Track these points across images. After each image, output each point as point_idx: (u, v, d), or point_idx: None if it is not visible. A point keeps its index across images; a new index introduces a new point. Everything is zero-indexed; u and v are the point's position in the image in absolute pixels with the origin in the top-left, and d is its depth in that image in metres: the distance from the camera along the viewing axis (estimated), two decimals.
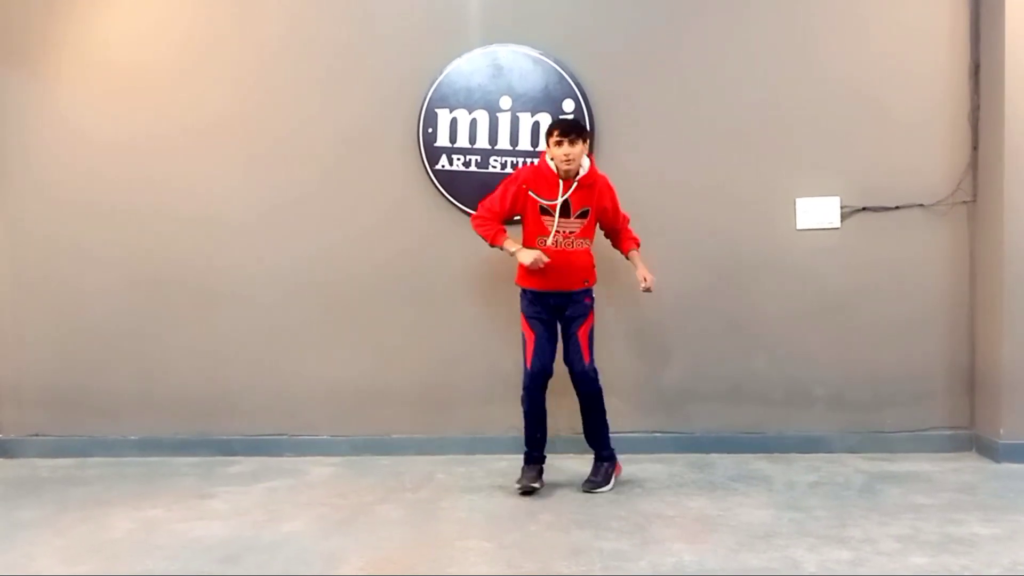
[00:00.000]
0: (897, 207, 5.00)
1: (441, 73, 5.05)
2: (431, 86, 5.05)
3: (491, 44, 5.06)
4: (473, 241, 5.00)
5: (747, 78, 5.04)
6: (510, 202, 4.36)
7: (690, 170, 5.05)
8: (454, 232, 5.08)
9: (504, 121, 5.03)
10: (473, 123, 5.04)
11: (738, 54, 5.05)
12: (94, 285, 5.22)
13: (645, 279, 4.45)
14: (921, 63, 4.99)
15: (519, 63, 5.04)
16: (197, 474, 4.79)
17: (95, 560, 3.45)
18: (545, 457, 4.46)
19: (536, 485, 4.30)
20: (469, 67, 5.06)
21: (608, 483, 4.37)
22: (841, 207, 5.01)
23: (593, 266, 4.45)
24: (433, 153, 5.06)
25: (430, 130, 5.05)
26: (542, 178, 4.33)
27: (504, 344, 4.95)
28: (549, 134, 4.30)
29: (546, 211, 4.30)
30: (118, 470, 4.90)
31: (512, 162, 5.00)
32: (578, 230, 4.33)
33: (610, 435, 4.47)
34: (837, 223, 5.02)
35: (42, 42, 5.20)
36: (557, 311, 4.39)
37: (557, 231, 4.29)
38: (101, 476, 4.79)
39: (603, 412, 4.43)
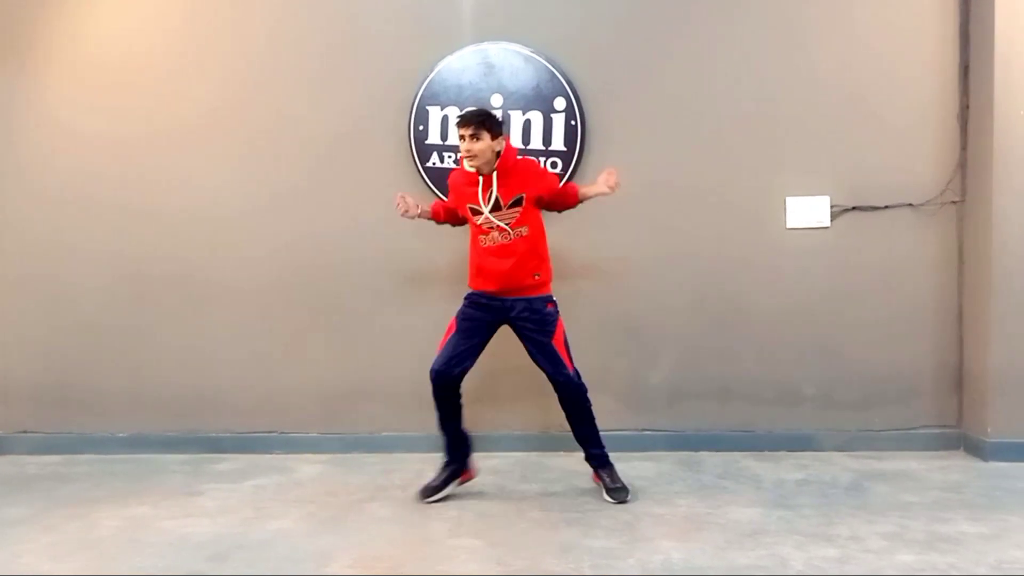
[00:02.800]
0: (886, 207, 5.01)
1: (432, 70, 5.05)
2: (422, 83, 5.04)
3: (482, 42, 5.06)
4: (463, 237, 5.01)
5: (738, 77, 5.05)
6: (451, 201, 4.36)
7: (680, 169, 5.05)
8: (444, 230, 5.06)
9: None
10: None
11: (729, 53, 5.06)
12: (82, 282, 5.21)
13: (608, 182, 4.14)
14: (911, 63, 5.00)
15: (510, 61, 5.04)
16: (185, 471, 4.78)
17: (83, 558, 3.44)
18: (458, 464, 4.24)
19: (432, 496, 4.13)
20: (460, 65, 5.06)
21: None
22: (831, 206, 5.02)
23: (543, 257, 4.16)
24: (424, 150, 5.05)
25: (421, 127, 5.05)
26: (464, 177, 4.20)
27: (493, 342, 4.92)
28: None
29: (476, 210, 4.12)
30: (106, 467, 4.88)
31: None
32: (512, 220, 4.07)
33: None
34: (827, 222, 5.03)
35: (31, 38, 5.18)
36: (499, 316, 4.14)
37: (491, 227, 4.07)
38: (89, 473, 4.77)
39: (590, 413, 4.20)
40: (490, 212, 4.07)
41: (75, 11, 5.18)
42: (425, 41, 5.09)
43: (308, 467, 4.84)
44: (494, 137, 4.04)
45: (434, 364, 4.11)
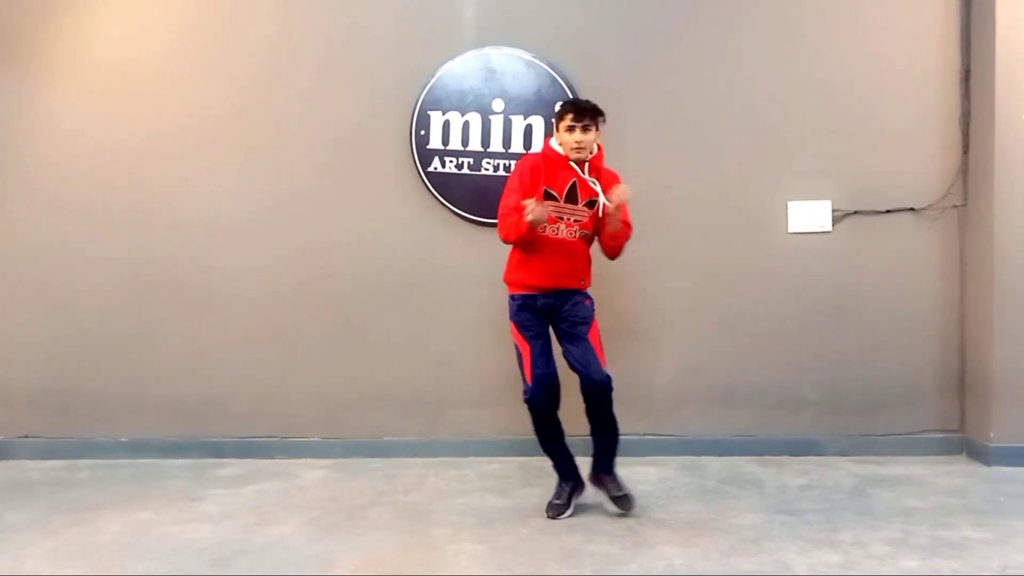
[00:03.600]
0: (888, 211, 5.01)
1: (434, 76, 5.05)
2: (424, 89, 5.05)
3: (484, 47, 5.07)
4: (465, 243, 5.03)
5: (740, 82, 5.06)
6: (524, 193, 3.89)
7: (682, 173, 5.05)
8: (447, 234, 5.08)
9: (497, 124, 5.03)
10: (466, 125, 5.04)
11: (730, 58, 5.07)
12: (85, 286, 5.21)
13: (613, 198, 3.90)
14: (912, 68, 5.01)
15: (512, 66, 5.05)
16: (188, 476, 4.77)
17: (85, 563, 3.43)
18: (576, 479, 4.08)
19: (561, 514, 3.96)
20: (461, 70, 5.06)
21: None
22: (832, 211, 5.03)
23: (590, 265, 4.10)
24: (426, 155, 5.06)
25: (423, 132, 5.05)
26: (549, 163, 4.00)
27: (496, 347, 4.95)
28: (560, 117, 3.99)
29: (551, 195, 3.93)
30: (109, 472, 4.88)
31: (505, 164, 5.00)
32: (584, 219, 3.97)
33: None
34: (828, 227, 5.03)
35: (34, 43, 5.19)
36: (549, 315, 4.01)
37: (562, 218, 3.93)
38: (92, 478, 4.77)
39: (614, 415, 4.01)
40: (565, 202, 3.95)
41: (78, 17, 5.19)
42: (426, 46, 5.09)
43: (310, 472, 4.83)
44: (598, 130, 4.00)
45: (535, 377, 3.92)
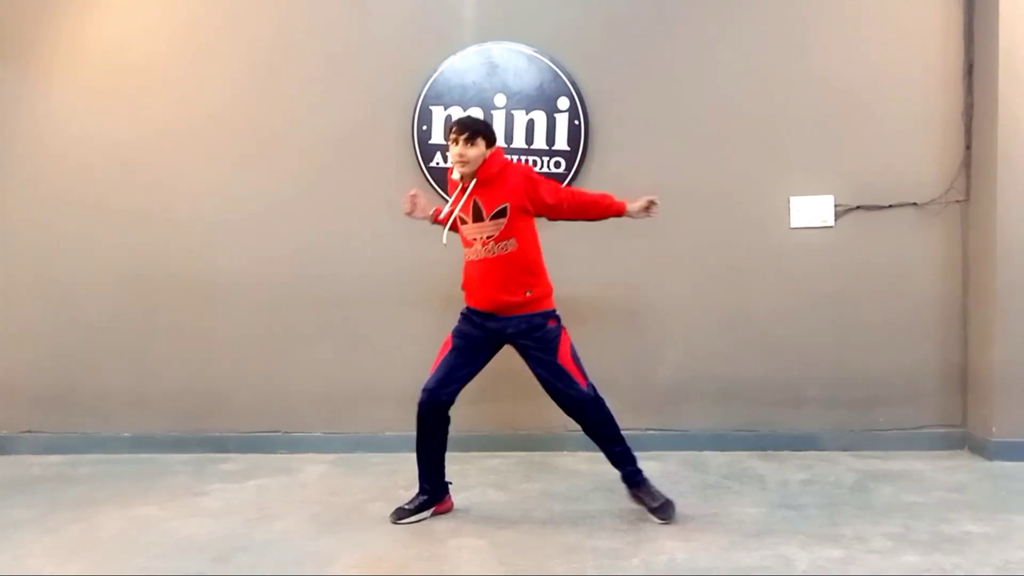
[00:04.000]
0: (891, 206, 5.00)
1: (436, 71, 5.05)
2: (426, 84, 5.04)
3: (486, 42, 5.06)
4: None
5: (742, 77, 5.05)
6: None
7: (684, 168, 5.04)
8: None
9: (499, 119, 5.03)
10: None
11: (733, 53, 5.06)
12: (87, 283, 5.21)
13: (649, 204, 3.93)
14: (915, 62, 4.99)
15: (513, 61, 5.04)
16: (189, 472, 4.78)
17: (87, 559, 3.44)
18: (434, 493, 3.96)
19: (403, 519, 3.84)
20: (464, 65, 5.06)
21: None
22: (835, 206, 5.02)
23: (536, 272, 3.87)
24: (428, 151, 5.05)
25: (425, 127, 5.05)
26: (452, 186, 3.99)
27: None
28: (447, 132, 4.01)
29: (463, 219, 3.88)
30: (110, 468, 4.89)
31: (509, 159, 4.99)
32: (496, 233, 3.78)
33: None
34: (831, 222, 5.03)
35: (34, 40, 5.19)
36: (499, 341, 3.90)
37: (474, 239, 3.84)
38: (93, 474, 4.78)
39: (615, 429, 3.88)
40: (473, 222, 3.84)
41: (77, 17, 5.18)
42: (429, 41, 5.09)
43: (312, 467, 4.84)
44: (488, 146, 3.87)
45: (426, 383, 3.89)
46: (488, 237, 3.80)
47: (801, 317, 5.06)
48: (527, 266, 3.84)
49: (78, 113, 5.19)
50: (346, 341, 5.16)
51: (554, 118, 5.02)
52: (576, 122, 5.01)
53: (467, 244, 3.89)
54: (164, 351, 5.21)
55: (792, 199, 5.03)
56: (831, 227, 5.03)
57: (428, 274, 5.09)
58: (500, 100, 5.04)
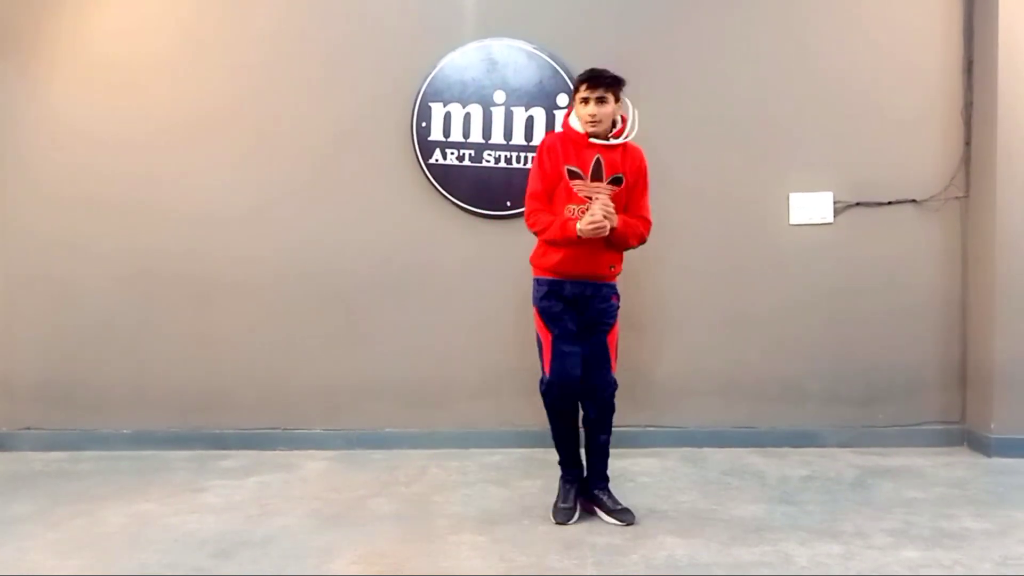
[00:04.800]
0: (890, 202, 5.01)
1: (435, 67, 5.05)
2: (425, 80, 5.04)
3: (485, 38, 5.06)
4: (466, 235, 5.03)
5: (741, 74, 5.05)
6: (547, 176, 3.74)
7: (684, 165, 5.05)
8: (448, 226, 5.08)
9: (498, 115, 5.03)
10: (467, 117, 5.04)
11: (732, 50, 5.06)
12: (87, 279, 5.21)
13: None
14: (915, 59, 5.00)
15: (513, 57, 5.04)
16: (190, 468, 4.78)
17: (88, 554, 3.44)
18: (582, 473, 3.91)
19: (571, 518, 3.77)
20: (463, 61, 5.05)
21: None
22: (834, 202, 5.03)
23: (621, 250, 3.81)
24: (427, 147, 5.05)
25: (424, 124, 5.05)
26: (569, 141, 3.73)
27: (498, 338, 4.96)
28: (575, 88, 3.73)
29: (575, 174, 3.68)
30: (111, 464, 4.89)
31: (506, 156, 5.00)
32: (610, 196, 3.66)
33: None
34: (830, 218, 5.03)
35: (35, 37, 5.18)
36: (576, 304, 3.75)
37: (588, 197, 3.65)
38: (94, 470, 4.77)
39: (611, 424, 3.87)
40: (591, 180, 3.68)
41: (78, 12, 5.17)
42: (428, 38, 5.09)
43: (312, 464, 4.84)
44: (617, 102, 3.71)
45: (553, 372, 3.70)
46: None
47: (800, 313, 5.07)
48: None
49: (77, 110, 5.18)
50: (346, 337, 5.16)
51: (553, 115, 5.02)
52: None
53: (574, 201, 3.66)
54: (164, 347, 5.21)
55: (791, 195, 5.04)
56: (831, 223, 5.04)
57: (429, 271, 5.10)
58: (500, 97, 5.04)
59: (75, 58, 5.19)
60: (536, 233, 3.76)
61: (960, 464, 4.67)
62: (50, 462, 4.95)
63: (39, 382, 5.25)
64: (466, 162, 5.04)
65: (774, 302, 5.08)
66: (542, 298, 3.76)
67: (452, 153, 5.04)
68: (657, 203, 4.90)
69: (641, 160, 3.80)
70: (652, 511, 3.89)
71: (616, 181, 3.70)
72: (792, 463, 4.71)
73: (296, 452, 5.07)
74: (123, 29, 5.18)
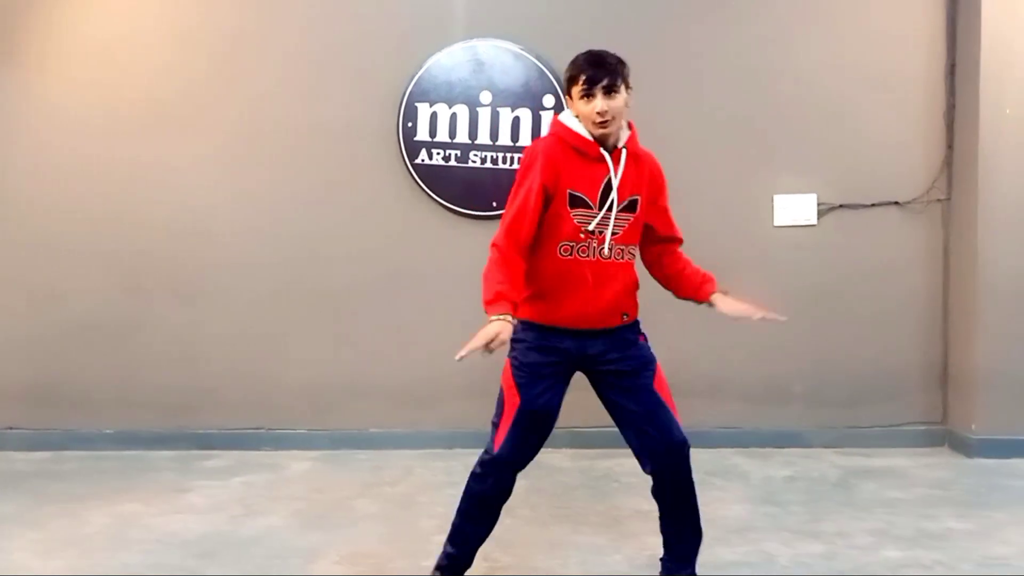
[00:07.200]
0: (873, 204, 5.05)
1: (421, 67, 5.05)
2: (411, 80, 5.04)
3: (472, 39, 5.07)
4: (452, 235, 5.03)
5: (726, 76, 5.08)
6: (537, 199, 2.72)
7: (668, 166, 4.96)
8: (433, 226, 5.08)
9: (484, 116, 5.04)
10: (453, 117, 5.04)
11: (718, 52, 5.08)
12: (71, 278, 5.18)
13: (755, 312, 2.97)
14: (898, 62, 5.03)
15: (500, 58, 5.05)
16: (174, 468, 4.77)
17: (71, 554, 3.43)
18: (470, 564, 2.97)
19: None
20: (450, 61, 5.06)
21: None
22: (818, 204, 5.05)
23: (636, 288, 2.99)
24: (413, 147, 5.05)
25: (410, 124, 5.05)
26: (571, 153, 2.76)
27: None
28: (572, 81, 2.75)
29: (580, 200, 2.74)
30: (95, 464, 4.87)
31: (492, 157, 5.01)
32: (623, 229, 2.81)
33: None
34: (814, 220, 5.06)
35: (25, 38, 5.14)
36: (579, 364, 2.88)
37: (595, 232, 2.76)
38: (77, 470, 4.75)
39: (696, 502, 2.96)
40: (599, 208, 2.76)
41: (64, 8, 5.15)
42: (415, 38, 5.09)
43: (297, 464, 4.84)
44: (628, 91, 2.80)
45: (502, 452, 2.83)
46: (614, 234, 2.80)
47: (784, 314, 5.07)
48: (634, 282, 2.96)
49: (63, 109, 5.15)
50: (331, 338, 5.15)
51: (539, 115, 5.03)
52: None
53: (570, 237, 2.75)
54: (148, 347, 5.18)
55: (775, 197, 5.06)
56: (814, 225, 5.07)
57: (414, 271, 5.10)
58: (486, 97, 5.05)
59: (60, 58, 5.14)
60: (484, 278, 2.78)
61: (942, 465, 4.71)
62: (33, 462, 4.92)
63: (22, 381, 5.21)
64: (452, 162, 5.04)
65: (758, 303, 5.09)
66: (527, 349, 2.84)
67: (438, 153, 5.04)
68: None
69: (657, 167, 2.97)
70: (636, 511, 3.90)
71: (631, 206, 2.82)
72: (776, 463, 4.74)
73: (281, 452, 5.05)
74: (107, 29, 5.14)
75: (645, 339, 2.99)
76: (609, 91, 2.69)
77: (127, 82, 5.15)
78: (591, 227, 2.75)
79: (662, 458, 2.84)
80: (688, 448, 2.86)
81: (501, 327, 2.64)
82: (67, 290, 5.19)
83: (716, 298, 3.05)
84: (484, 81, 5.05)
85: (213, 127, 5.15)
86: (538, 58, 5.03)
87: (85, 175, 5.16)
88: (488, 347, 2.65)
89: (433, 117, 5.04)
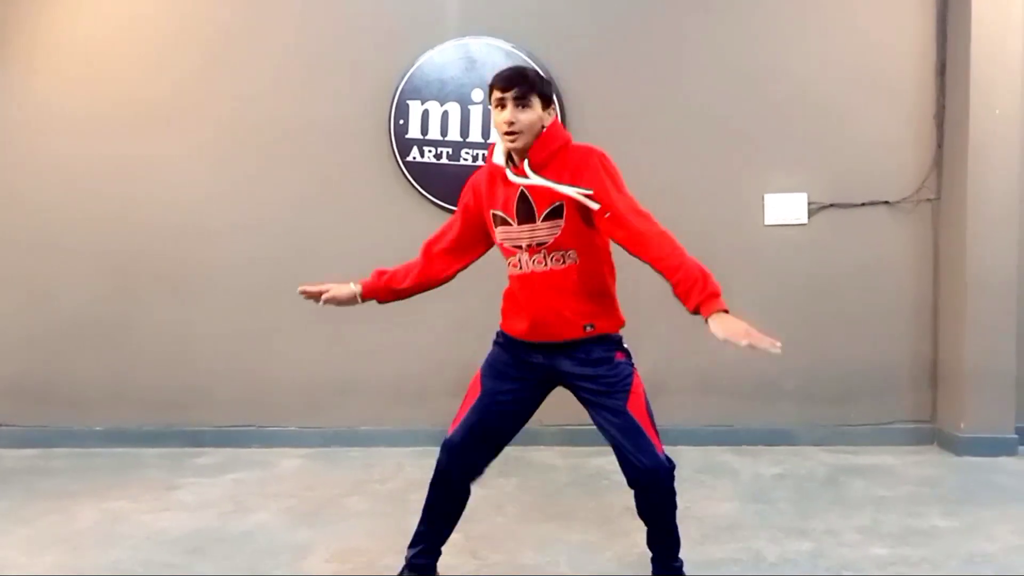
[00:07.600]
0: (863, 204, 5.06)
1: (413, 65, 5.05)
2: (403, 78, 5.05)
3: (464, 36, 5.07)
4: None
5: (718, 76, 5.08)
6: (456, 219, 2.99)
7: (659, 165, 5.07)
8: (425, 224, 5.05)
9: (476, 114, 5.04)
10: (445, 115, 5.04)
11: (709, 52, 5.09)
12: (62, 276, 5.18)
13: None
14: (888, 62, 5.05)
15: (492, 56, 5.05)
16: (164, 465, 4.77)
17: (60, 551, 3.43)
18: (435, 564, 3.01)
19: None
20: (442, 59, 5.06)
21: None
22: (808, 203, 5.07)
23: (603, 295, 2.91)
24: (404, 145, 5.05)
25: (401, 122, 5.05)
26: (491, 175, 2.85)
27: (474, 337, 4.92)
28: (489, 91, 2.80)
29: (500, 219, 2.81)
30: (85, 461, 4.86)
31: (484, 155, 5.00)
32: (549, 241, 2.74)
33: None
34: (804, 219, 5.08)
35: (15, 36, 5.14)
36: (551, 379, 2.89)
37: (520, 246, 2.78)
38: (67, 467, 4.75)
39: (675, 514, 2.97)
40: (519, 224, 2.77)
41: (56, 7, 5.14)
42: (407, 35, 5.09)
43: (288, 461, 4.84)
44: (545, 106, 2.77)
45: (452, 436, 2.93)
46: (539, 244, 2.76)
47: (774, 313, 5.08)
48: (591, 289, 2.84)
49: (54, 106, 5.15)
50: (322, 336, 5.15)
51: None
52: None
53: (509, 253, 2.83)
54: (139, 345, 5.18)
55: (766, 196, 5.08)
56: (805, 224, 5.08)
57: None
58: (478, 95, 5.05)
59: (50, 56, 5.15)
60: None
61: (930, 463, 4.73)
62: (23, 459, 4.92)
63: (12, 378, 5.21)
64: (444, 160, 5.05)
65: (748, 302, 5.05)
66: (498, 350, 2.97)
67: (430, 151, 5.04)
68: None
69: (587, 159, 2.75)
70: (627, 509, 3.87)
71: (555, 213, 2.72)
72: (765, 461, 4.75)
73: (272, 449, 5.06)
74: (99, 27, 5.15)
75: (626, 356, 2.94)
76: (519, 102, 2.71)
77: (116, 80, 5.15)
78: (520, 242, 2.78)
79: (632, 481, 2.82)
80: (661, 474, 2.78)
81: (342, 289, 3.33)
82: (57, 287, 5.18)
83: (710, 322, 2.84)
84: (476, 79, 5.05)
85: (204, 124, 5.14)
86: (529, 56, 5.03)
87: (76, 173, 5.15)
88: (320, 297, 3.28)
89: (425, 115, 5.04)
